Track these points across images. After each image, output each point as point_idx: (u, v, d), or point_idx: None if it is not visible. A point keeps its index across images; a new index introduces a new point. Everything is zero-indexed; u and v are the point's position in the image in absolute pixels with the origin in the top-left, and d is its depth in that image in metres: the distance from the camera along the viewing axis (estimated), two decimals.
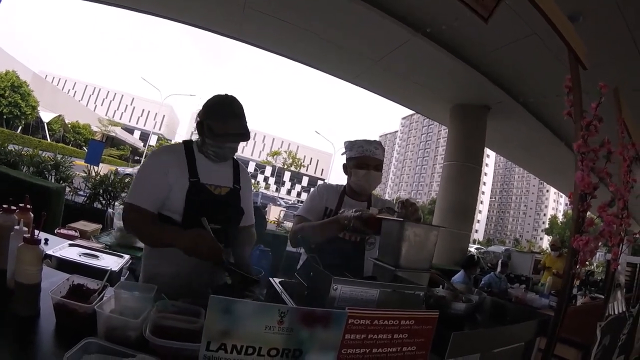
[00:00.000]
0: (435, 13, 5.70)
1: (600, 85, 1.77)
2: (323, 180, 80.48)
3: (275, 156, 62.39)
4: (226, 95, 1.79)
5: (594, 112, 1.77)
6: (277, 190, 70.21)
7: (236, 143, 1.77)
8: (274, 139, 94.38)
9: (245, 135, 1.74)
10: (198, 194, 1.69)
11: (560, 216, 77.76)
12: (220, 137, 1.71)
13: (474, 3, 1.58)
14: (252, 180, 2.19)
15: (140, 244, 3.04)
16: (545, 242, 71.94)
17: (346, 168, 2.15)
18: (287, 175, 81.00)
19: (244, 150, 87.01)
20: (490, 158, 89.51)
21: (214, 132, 1.70)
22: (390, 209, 1.71)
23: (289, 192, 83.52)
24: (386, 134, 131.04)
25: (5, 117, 27.26)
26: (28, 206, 1.54)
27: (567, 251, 1.76)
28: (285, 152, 65.36)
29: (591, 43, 2.21)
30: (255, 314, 0.78)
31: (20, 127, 29.26)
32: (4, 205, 1.43)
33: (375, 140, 2.10)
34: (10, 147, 6.32)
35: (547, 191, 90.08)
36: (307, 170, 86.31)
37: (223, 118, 1.71)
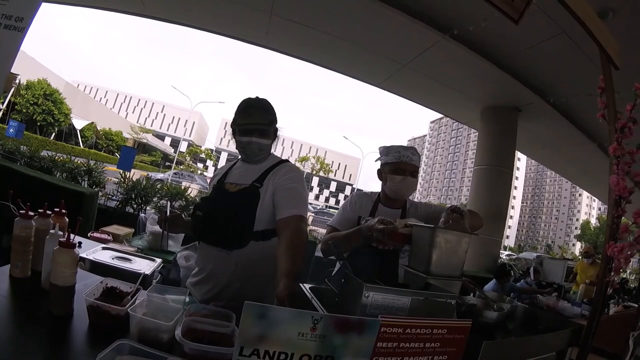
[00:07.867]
0: (462, 14, 5.60)
1: (636, 86, 1.70)
2: (351, 185, 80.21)
3: (303, 162, 62.47)
4: (254, 97, 1.87)
5: (629, 114, 1.70)
6: None
7: (246, 137, 1.80)
8: (302, 145, 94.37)
9: (252, 131, 1.79)
10: (215, 190, 1.87)
11: (593, 221, 75.26)
12: (233, 131, 1.87)
13: (504, 5, 1.55)
14: None
15: (172, 248, 3.21)
16: (578, 248, 69.59)
17: (381, 174, 2.11)
18: (315, 181, 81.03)
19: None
20: (521, 162, 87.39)
21: (232, 127, 1.88)
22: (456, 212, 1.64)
23: (317, 197, 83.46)
24: (415, 138, 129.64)
25: (38, 124, 28.05)
26: (63, 211, 1.57)
27: (600, 258, 1.70)
28: (314, 157, 65.34)
29: (622, 41, 2.11)
30: (289, 320, 0.78)
31: (53, 134, 29.95)
32: (40, 210, 1.47)
33: (411, 147, 2.07)
34: (44, 153, 6.53)
35: (580, 195, 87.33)
36: (335, 176, 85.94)
37: (238, 114, 1.84)
